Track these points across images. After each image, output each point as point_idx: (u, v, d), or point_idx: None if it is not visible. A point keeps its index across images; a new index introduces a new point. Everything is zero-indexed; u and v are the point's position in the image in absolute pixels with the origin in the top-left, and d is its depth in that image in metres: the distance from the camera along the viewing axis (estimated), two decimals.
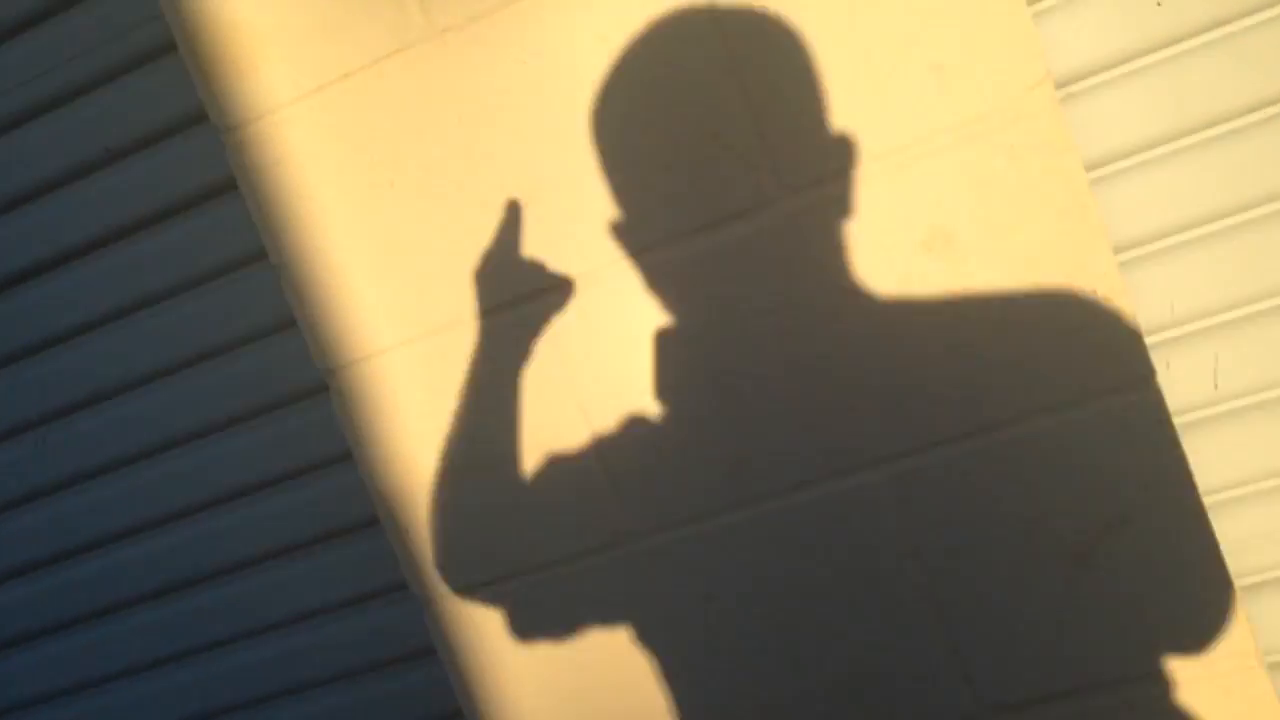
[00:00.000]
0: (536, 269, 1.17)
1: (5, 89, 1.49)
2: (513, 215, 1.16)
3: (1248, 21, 1.12)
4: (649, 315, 1.15)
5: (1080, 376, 1.07)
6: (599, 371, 1.18)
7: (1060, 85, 1.15)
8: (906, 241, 1.08)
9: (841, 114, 1.07)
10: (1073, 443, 1.08)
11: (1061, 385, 1.08)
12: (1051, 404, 1.08)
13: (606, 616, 1.23)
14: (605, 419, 1.18)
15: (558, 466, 1.21)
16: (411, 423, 1.23)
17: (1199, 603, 1.09)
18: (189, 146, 1.44)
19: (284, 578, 1.57)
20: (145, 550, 1.62)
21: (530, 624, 1.26)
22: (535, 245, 1.17)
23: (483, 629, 1.27)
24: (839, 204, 1.09)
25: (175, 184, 1.46)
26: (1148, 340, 1.18)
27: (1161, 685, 1.11)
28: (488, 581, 1.26)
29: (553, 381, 1.19)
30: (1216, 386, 1.20)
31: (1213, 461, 1.21)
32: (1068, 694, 1.13)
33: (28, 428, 1.61)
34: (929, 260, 1.08)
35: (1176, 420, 1.19)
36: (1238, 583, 1.19)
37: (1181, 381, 1.20)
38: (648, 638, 1.23)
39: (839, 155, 1.08)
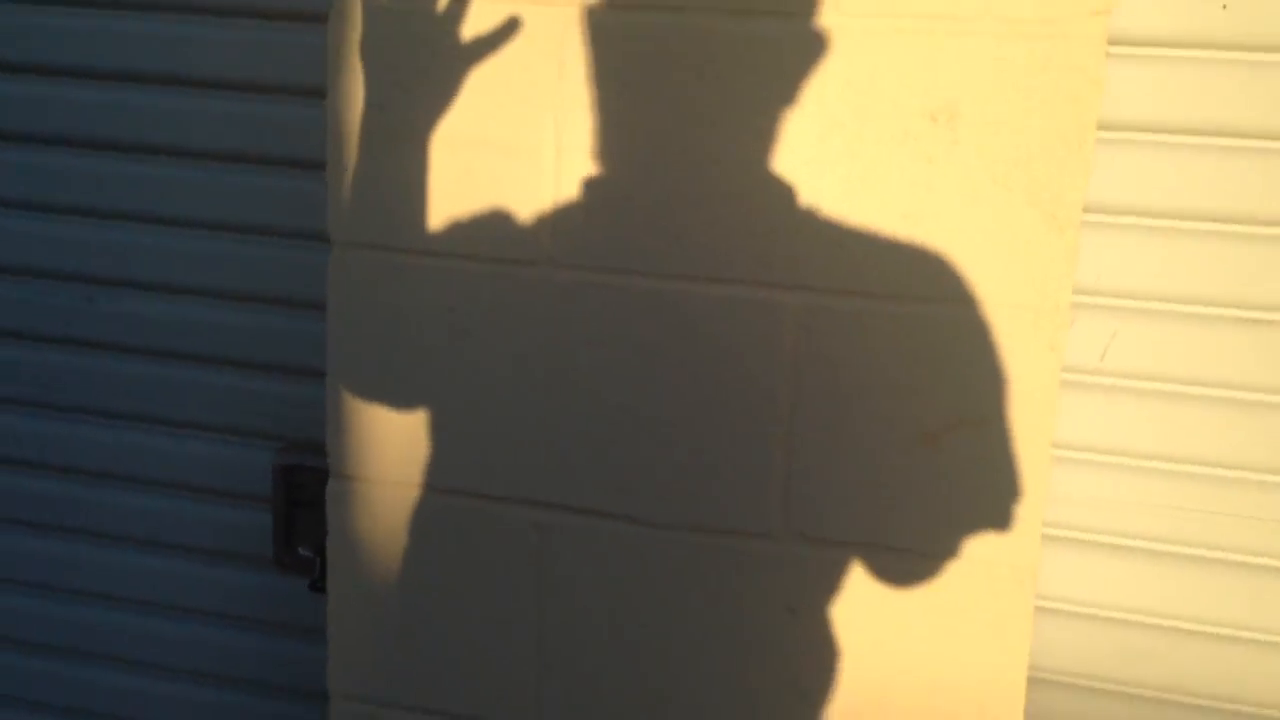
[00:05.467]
0: None
1: None
2: None
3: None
4: (648, 63, 1.19)
5: (1002, 283, 1.13)
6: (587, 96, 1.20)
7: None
8: (917, 104, 1.11)
9: None
10: (968, 337, 1.14)
11: (982, 284, 1.13)
12: (966, 297, 1.14)
13: (494, 321, 1.28)
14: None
15: (509, 168, 1.24)
16: (396, 74, 1.25)
17: (1008, 513, 1.17)
18: None
19: None
20: None
21: (420, 305, 1.30)
22: None
23: (376, 291, 1.31)
24: (872, 42, 1.12)
25: None
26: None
27: (941, 566, 1.20)
28: (396, 249, 1.29)
29: (537, 89, 1.21)
30: (1103, 359, 1.27)
31: (1069, 420, 1.28)
32: (863, 545, 1.22)
33: None
34: (928, 127, 1.11)
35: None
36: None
37: (1076, 343, 1.26)
38: (519, 358, 1.28)
39: None
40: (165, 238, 1.62)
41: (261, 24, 1.50)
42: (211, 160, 1.57)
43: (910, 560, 1.21)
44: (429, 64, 1.23)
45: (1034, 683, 1.27)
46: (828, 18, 1.12)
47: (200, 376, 1.65)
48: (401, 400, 1.33)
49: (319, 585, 1.53)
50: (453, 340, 1.29)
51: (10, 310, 1.71)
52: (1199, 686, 1.31)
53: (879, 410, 1.18)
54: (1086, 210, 1.20)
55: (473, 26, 1.21)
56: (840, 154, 1.14)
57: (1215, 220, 1.21)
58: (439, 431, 1.33)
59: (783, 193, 1.17)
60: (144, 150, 1.59)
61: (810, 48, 1.13)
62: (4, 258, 1.69)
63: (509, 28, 1.20)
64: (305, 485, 1.60)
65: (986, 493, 1.17)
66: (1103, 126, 1.19)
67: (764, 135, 1.16)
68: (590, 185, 1.22)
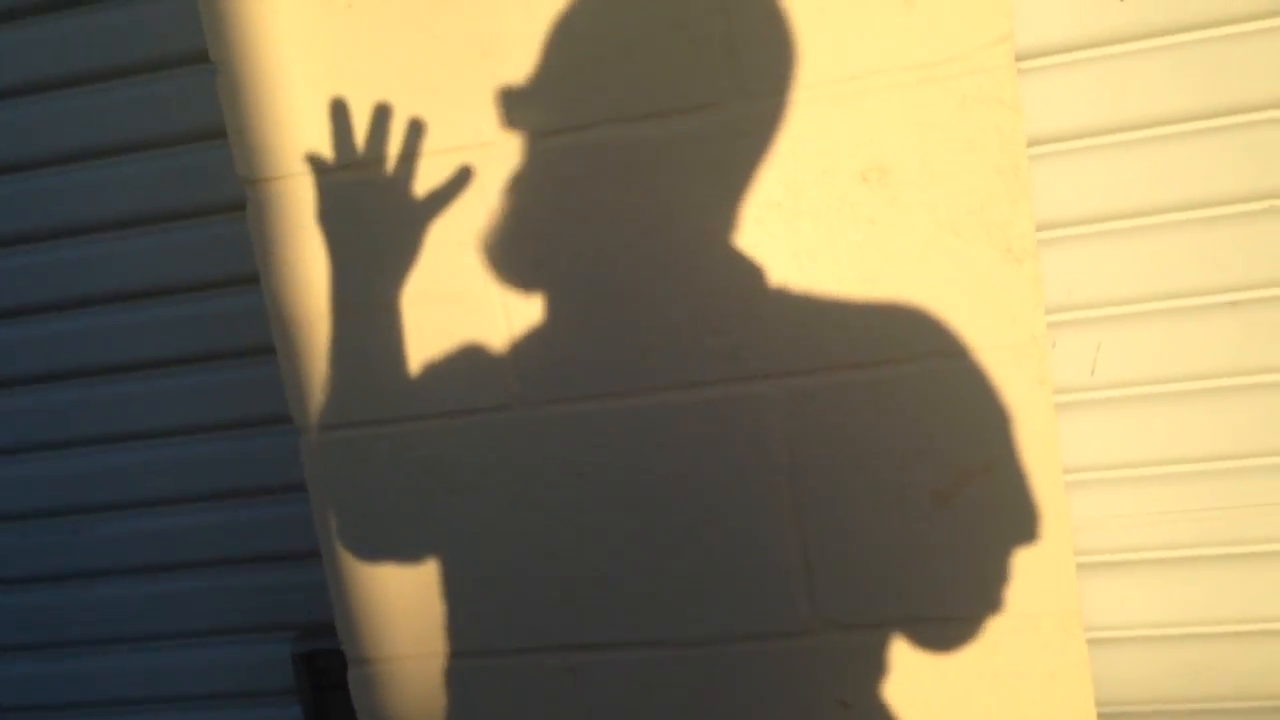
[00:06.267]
0: (476, 122, 1.17)
1: None
2: (467, 61, 1.16)
3: (1201, 34, 1.16)
4: (573, 186, 1.17)
5: (975, 327, 1.11)
6: (521, 230, 1.19)
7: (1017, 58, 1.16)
8: (846, 168, 1.10)
9: (808, 32, 1.08)
10: (955, 389, 1.13)
11: (955, 332, 1.12)
12: (942, 349, 1.12)
13: (481, 473, 1.26)
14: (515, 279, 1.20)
15: (459, 318, 1.22)
16: (327, 250, 1.24)
17: (1037, 560, 1.15)
18: None
19: None
20: None
21: (402, 473, 1.28)
22: (481, 98, 1.17)
23: (355, 469, 1.29)
24: (787, 117, 1.11)
25: None
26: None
27: (984, 628, 1.17)
28: (366, 422, 1.27)
29: (469, 234, 1.20)
30: (1093, 373, 1.25)
31: (1071, 443, 1.26)
32: (897, 621, 1.19)
33: None
34: (862, 189, 1.10)
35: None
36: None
37: (1063, 363, 1.25)
38: (514, 504, 1.25)
39: (795, 71, 1.10)
40: (136, 453, 1.60)
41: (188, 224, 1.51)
42: (165, 368, 1.56)
43: (951, 628, 1.17)
44: (365, 230, 1.22)
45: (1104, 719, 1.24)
46: (740, 103, 1.11)
47: (199, 583, 1.62)
48: (404, 572, 1.29)
49: None
50: (442, 501, 1.26)
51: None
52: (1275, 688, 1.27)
53: (883, 480, 1.16)
54: (1039, 230, 1.19)
55: (405, 186, 1.20)
56: (782, 232, 1.13)
57: (1170, 211, 1.20)
58: (449, 595, 1.29)
59: (735, 283, 1.15)
60: (102, 372, 1.59)
61: (729, 134, 1.12)
62: None
63: (450, 181, 1.19)
64: (329, 669, 1.56)
65: (1010, 541, 1.15)
66: (1033, 143, 1.19)
67: (703, 230, 1.15)
68: (542, 316, 1.20)
